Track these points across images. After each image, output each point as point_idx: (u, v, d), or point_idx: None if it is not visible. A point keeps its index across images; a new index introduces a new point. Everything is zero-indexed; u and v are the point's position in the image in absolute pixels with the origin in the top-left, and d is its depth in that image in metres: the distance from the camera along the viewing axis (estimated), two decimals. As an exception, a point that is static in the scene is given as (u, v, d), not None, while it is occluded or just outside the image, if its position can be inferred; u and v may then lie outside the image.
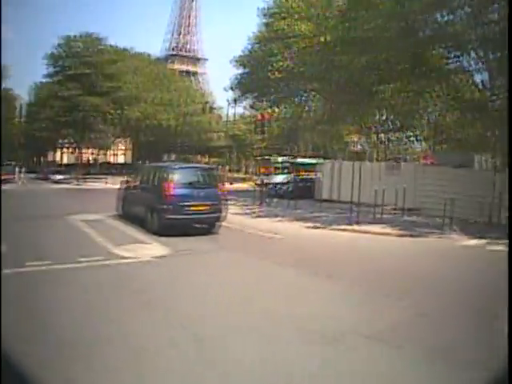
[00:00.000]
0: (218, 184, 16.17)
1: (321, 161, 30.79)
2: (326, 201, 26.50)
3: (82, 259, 10.04)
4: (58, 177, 51.08)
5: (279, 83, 32.17)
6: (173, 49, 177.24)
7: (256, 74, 33.78)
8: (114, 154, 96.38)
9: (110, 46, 70.60)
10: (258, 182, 36.13)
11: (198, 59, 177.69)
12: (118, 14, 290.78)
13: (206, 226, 15.32)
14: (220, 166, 58.10)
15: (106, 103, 56.26)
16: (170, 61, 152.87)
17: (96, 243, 12.54)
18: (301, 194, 26.72)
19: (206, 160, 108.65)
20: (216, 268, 10.47)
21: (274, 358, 5.27)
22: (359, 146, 50.45)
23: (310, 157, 44.87)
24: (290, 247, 13.73)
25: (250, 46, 37.58)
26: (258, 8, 34.84)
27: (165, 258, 11.02)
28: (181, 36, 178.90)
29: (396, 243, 15.02)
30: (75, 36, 60.16)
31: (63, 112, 56.55)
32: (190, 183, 14.95)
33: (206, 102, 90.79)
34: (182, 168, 16.41)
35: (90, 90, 56.89)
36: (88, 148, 53.69)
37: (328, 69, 24.59)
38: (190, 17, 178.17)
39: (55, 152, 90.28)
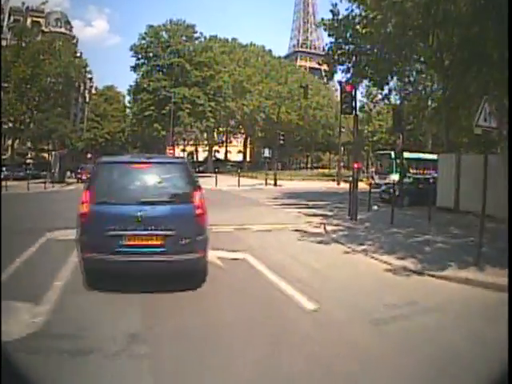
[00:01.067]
0: (197, 194, 7.53)
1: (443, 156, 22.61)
2: (450, 210, 18.75)
3: None
4: None
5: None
6: (296, 46, 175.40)
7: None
8: (227, 151, 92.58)
9: (212, 36, 66.37)
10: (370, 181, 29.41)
11: (320, 55, 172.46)
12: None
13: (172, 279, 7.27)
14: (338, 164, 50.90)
15: (196, 94, 49.95)
16: (294, 58, 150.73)
17: None
18: (416, 200, 19.56)
19: (327, 157, 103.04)
20: None
21: None
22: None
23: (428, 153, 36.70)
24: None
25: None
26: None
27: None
28: (303, 33, 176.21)
29: None
30: (163, 25, 54.28)
31: (148, 106, 51.18)
32: (133, 193, 7.23)
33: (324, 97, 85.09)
34: (115, 163, 7.95)
35: (179, 81, 51.15)
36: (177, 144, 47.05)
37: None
38: (311, 13, 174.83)
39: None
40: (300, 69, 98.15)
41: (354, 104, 15.91)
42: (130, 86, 56.07)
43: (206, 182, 38.05)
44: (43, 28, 67.41)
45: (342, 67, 24.89)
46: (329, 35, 23.82)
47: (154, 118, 50.30)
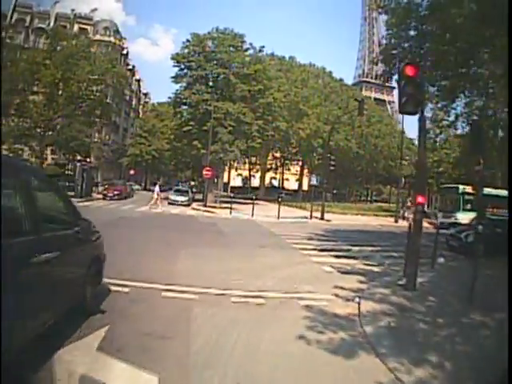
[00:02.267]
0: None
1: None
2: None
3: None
4: None
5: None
6: (361, 76, 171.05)
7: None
8: (284, 179, 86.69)
9: (268, 54, 60.89)
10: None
11: (386, 86, 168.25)
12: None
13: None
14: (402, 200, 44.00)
15: (241, 111, 43.78)
16: (359, 88, 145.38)
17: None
18: (493, 248, 12.86)
19: (388, 191, 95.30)
20: None
21: None
22: None
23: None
24: None
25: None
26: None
27: None
28: (368, 63, 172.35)
29: None
30: (208, 33, 48.26)
31: (188, 121, 45.77)
32: None
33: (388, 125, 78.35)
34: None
35: (223, 95, 45.47)
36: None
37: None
38: (376, 43, 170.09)
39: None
40: (362, 95, 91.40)
41: (419, 96, 9.69)
42: (169, 97, 50.37)
43: (243, 211, 32.65)
44: (90, 36, 64.84)
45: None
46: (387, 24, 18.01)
47: (194, 135, 44.75)
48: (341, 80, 76.83)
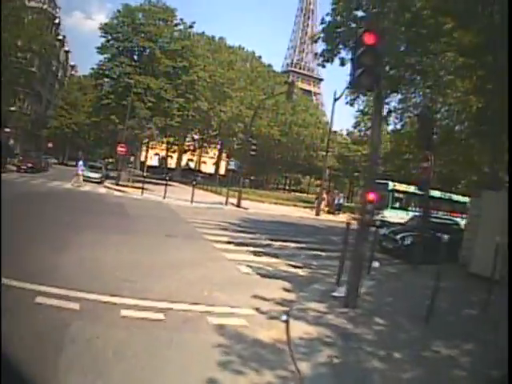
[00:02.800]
0: None
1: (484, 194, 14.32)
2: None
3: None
4: None
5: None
6: (289, 65, 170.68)
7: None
8: (201, 161, 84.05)
9: (198, 33, 58.54)
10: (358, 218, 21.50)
11: (313, 78, 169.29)
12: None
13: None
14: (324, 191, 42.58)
15: (162, 86, 41.15)
16: (287, 76, 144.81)
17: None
18: (429, 255, 10.91)
19: (307, 181, 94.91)
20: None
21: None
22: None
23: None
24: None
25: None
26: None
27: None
28: (298, 53, 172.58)
29: None
30: (140, 4, 44.94)
31: (108, 94, 42.30)
32: None
33: (312, 115, 77.33)
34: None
35: (146, 70, 42.53)
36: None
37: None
38: (309, 34, 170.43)
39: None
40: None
41: (377, 69, 7.65)
42: (92, 68, 46.06)
43: (156, 192, 29.96)
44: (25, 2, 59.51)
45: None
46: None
47: (113, 109, 41.38)
48: (269, 66, 74.60)
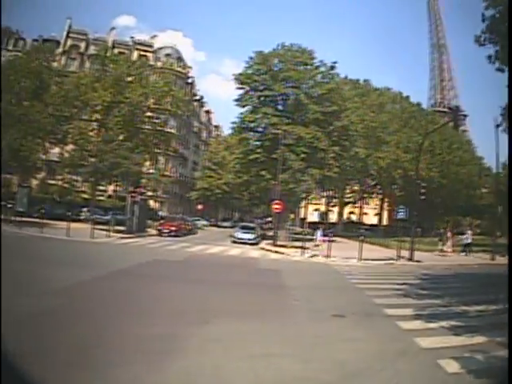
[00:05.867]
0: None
1: None
2: None
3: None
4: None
5: None
6: (434, 106, 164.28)
7: None
8: (362, 213, 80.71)
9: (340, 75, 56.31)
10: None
11: (458, 115, 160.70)
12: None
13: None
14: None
15: (315, 135, 37.80)
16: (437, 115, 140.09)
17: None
18: None
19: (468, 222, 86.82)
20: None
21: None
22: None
23: None
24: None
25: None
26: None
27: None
28: (440, 91, 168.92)
29: None
30: (273, 49, 42.20)
31: (255, 148, 40.38)
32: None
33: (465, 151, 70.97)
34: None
35: (293, 118, 39.47)
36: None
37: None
38: (446, 70, 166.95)
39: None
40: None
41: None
42: (233, 122, 43.95)
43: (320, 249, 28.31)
44: (151, 62, 62.94)
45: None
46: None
47: (262, 164, 38.80)
48: (418, 105, 69.86)
